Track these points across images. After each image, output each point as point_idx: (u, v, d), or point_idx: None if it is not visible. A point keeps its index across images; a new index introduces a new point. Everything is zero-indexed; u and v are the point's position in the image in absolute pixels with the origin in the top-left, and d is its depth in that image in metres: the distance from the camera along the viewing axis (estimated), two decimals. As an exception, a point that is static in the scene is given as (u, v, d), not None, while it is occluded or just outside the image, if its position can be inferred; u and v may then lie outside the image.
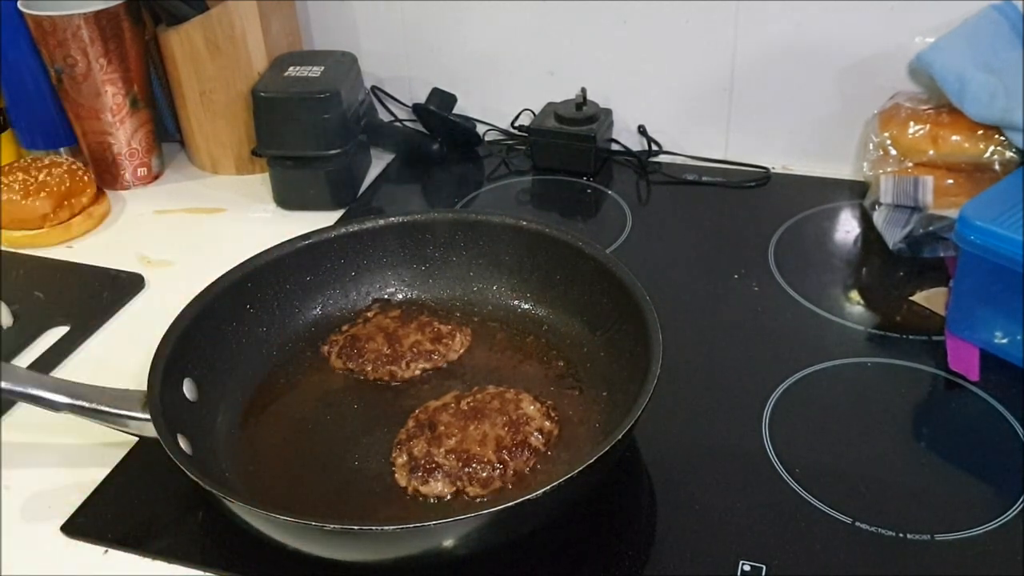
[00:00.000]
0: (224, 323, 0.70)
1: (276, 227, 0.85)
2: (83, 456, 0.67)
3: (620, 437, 0.54)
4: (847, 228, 0.90)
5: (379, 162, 1.05)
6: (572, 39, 1.00)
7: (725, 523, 0.59)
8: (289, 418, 0.68)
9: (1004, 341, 0.71)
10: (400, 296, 0.79)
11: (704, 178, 0.99)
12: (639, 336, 0.63)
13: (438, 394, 0.68)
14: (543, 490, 0.51)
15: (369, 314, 0.76)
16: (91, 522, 0.62)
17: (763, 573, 0.56)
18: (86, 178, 0.95)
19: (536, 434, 0.64)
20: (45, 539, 0.61)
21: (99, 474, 0.65)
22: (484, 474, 0.61)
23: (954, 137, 0.83)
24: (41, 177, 0.92)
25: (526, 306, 0.76)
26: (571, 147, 0.99)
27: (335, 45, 1.05)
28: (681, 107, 1.01)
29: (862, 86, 0.92)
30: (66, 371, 0.76)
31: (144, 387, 0.60)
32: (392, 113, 1.10)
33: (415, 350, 0.72)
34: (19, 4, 0.94)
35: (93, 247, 0.92)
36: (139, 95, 0.99)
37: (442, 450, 0.62)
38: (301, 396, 0.70)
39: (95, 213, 0.95)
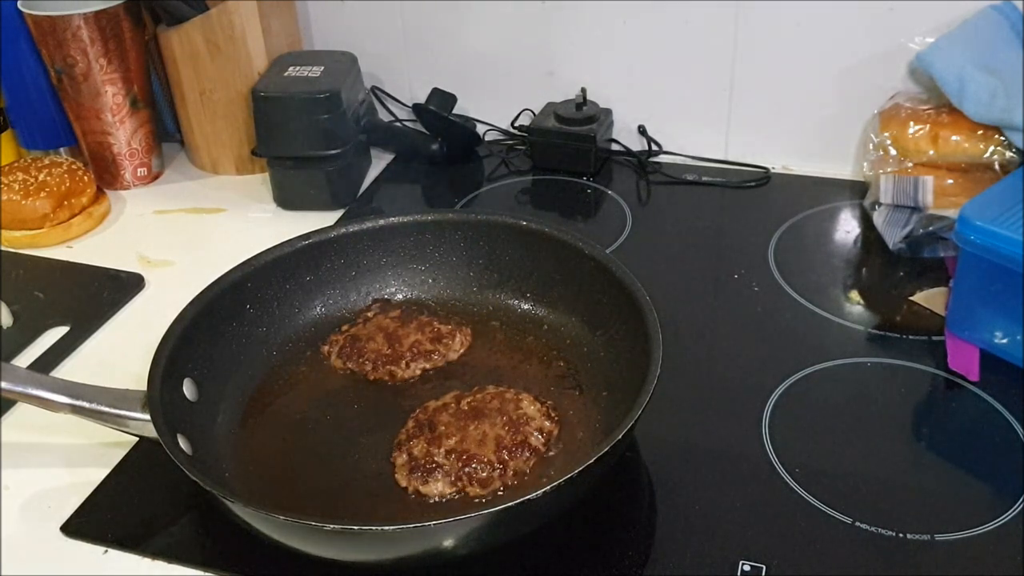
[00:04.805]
0: (224, 323, 0.70)
1: (276, 227, 0.85)
2: (83, 456, 0.67)
3: (620, 437, 0.54)
4: (847, 228, 0.90)
5: (379, 162, 1.05)
6: (572, 39, 1.00)
7: (725, 523, 0.59)
8: (289, 418, 0.68)
9: (1004, 341, 0.71)
10: (400, 296, 0.79)
11: (704, 178, 0.99)
12: (639, 336, 0.63)
13: (438, 394, 0.68)
14: (543, 490, 0.51)
15: (369, 314, 0.76)
16: (91, 522, 0.62)
17: (763, 573, 0.56)
18: (86, 178, 0.95)
19: (536, 434, 0.63)
20: (45, 539, 0.61)
21: (99, 474, 0.65)
22: (484, 474, 0.61)
23: (954, 137, 0.83)
24: (41, 177, 0.92)
25: (526, 306, 0.76)
26: (571, 147, 0.99)
27: (335, 45, 1.05)
28: (681, 107, 1.01)
29: (862, 86, 0.92)
30: (66, 371, 0.76)
31: (144, 387, 0.60)
32: (392, 113, 1.10)
33: (415, 350, 0.72)
34: (19, 4, 0.94)
35: (93, 247, 0.92)
36: (139, 95, 0.99)
37: (442, 450, 0.62)
38: (301, 396, 0.70)
39: (95, 213, 0.95)
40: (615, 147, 1.03)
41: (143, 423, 0.60)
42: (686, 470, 0.64)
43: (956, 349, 0.72)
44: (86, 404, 0.61)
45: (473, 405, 0.65)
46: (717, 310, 0.80)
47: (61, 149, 1.03)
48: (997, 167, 0.82)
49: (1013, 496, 0.60)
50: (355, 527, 0.51)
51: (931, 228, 0.81)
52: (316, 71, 0.95)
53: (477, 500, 0.60)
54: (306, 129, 0.93)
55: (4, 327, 0.80)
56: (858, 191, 0.93)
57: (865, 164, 0.89)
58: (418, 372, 0.72)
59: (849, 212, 0.92)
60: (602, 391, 0.67)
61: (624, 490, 0.62)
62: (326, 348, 0.74)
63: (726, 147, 1.01)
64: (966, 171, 0.83)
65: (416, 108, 1.03)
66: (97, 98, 0.96)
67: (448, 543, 0.53)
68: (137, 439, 0.63)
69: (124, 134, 1.00)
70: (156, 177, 1.05)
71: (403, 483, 0.62)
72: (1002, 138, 0.81)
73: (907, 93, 0.90)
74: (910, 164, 0.85)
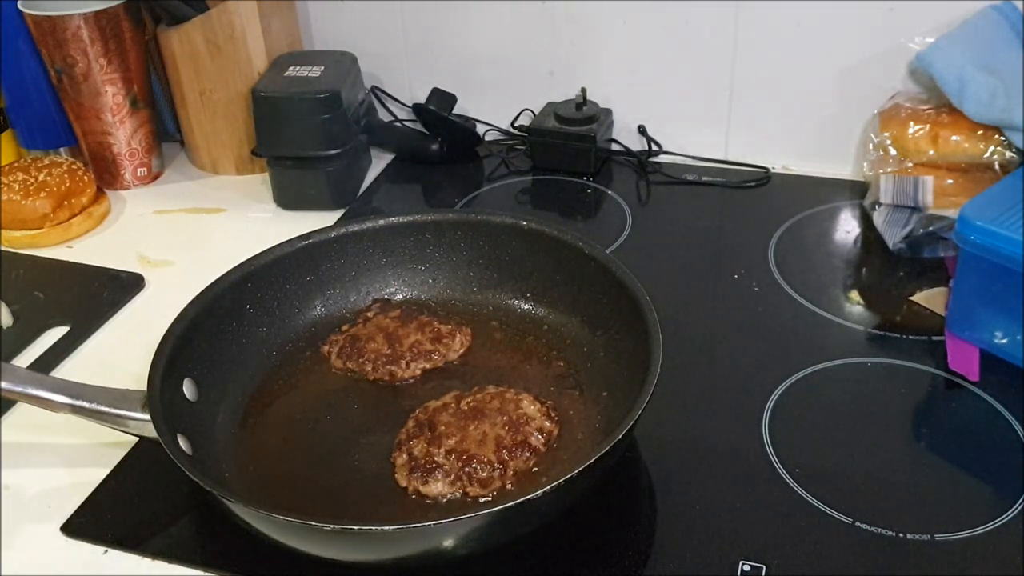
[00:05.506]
0: (224, 323, 0.70)
1: (276, 227, 0.85)
2: (83, 456, 0.67)
3: (620, 437, 0.54)
4: (847, 228, 0.90)
5: (379, 162, 1.05)
6: (572, 39, 1.01)
7: (725, 523, 0.59)
8: (289, 418, 0.68)
9: (1004, 341, 0.71)
10: (400, 296, 0.79)
11: (704, 178, 0.99)
12: (639, 336, 0.63)
13: (438, 394, 0.68)
14: (543, 490, 0.51)
15: (369, 314, 0.76)
16: (91, 522, 0.62)
17: (763, 573, 0.56)
18: (86, 178, 0.95)
19: (536, 434, 0.63)
20: (45, 539, 0.61)
21: (99, 474, 0.65)
22: (484, 474, 0.61)
23: (954, 137, 0.83)
24: (41, 177, 0.92)
25: (526, 306, 0.76)
26: (571, 147, 0.99)
27: (335, 45, 1.05)
28: (681, 107, 1.01)
29: (862, 86, 0.92)
30: (66, 371, 0.76)
31: (144, 387, 0.60)
32: (392, 113, 1.10)
33: (415, 350, 0.72)
34: (19, 4, 0.94)
35: (93, 247, 0.92)
36: (139, 95, 0.99)
37: (442, 450, 0.62)
38: (301, 396, 0.70)
39: (95, 213, 0.95)
40: (615, 147, 1.03)
41: (143, 423, 0.60)
42: (686, 470, 0.64)
43: (956, 349, 0.72)
44: (86, 404, 0.61)
45: (473, 405, 0.65)
46: (717, 310, 0.80)
47: (61, 149, 1.03)
48: (997, 167, 0.82)
49: (1013, 496, 0.60)
50: (355, 527, 0.51)
51: (931, 228, 0.81)
52: (316, 71, 0.95)
53: (477, 500, 0.60)
54: (306, 129, 0.93)
55: (4, 327, 0.80)
56: (858, 191, 0.93)
57: (865, 164, 0.89)
58: (418, 372, 0.72)
59: (849, 212, 0.92)
60: (602, 391, 0.67)
61: (624, 490, 0.62)
62: (326, 348, 0.74)
63: (726, 147, 1.01)
64: (966, 171, 0.83)
65: (416, 108, 1.03)
66: (97, 98, 0.96)
67: (448, 543, 0.53)
68: (137, 439, 0.63)
69: (124, 134, 1.00)
70: (156, 177, 1.05)
71: (403, 483, 0.62)
72: (1002, 138, 0.81)
73: (907, 93, 0.90)
74: (910, 164, 0.85)
